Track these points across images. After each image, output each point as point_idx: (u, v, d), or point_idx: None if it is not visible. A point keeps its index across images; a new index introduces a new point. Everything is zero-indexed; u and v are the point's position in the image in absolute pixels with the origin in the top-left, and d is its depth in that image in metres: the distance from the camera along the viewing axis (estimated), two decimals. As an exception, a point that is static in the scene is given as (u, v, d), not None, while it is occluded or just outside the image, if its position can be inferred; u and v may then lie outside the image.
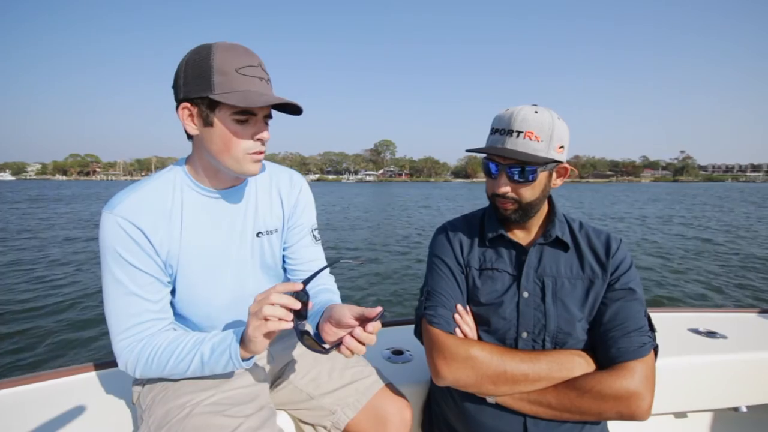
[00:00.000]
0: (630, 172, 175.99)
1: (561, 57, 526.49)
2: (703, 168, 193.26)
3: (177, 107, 0.88)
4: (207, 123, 0.86)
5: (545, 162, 0.87)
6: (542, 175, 0.90)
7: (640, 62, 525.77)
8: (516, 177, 0.89)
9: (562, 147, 0.90)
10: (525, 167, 0.87)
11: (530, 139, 0.85)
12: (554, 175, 0.94)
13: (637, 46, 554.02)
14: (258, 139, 0.90)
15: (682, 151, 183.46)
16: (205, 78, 0.83)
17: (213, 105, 0.85)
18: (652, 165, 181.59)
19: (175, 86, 0.87)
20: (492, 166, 0.92)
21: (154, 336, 0.89)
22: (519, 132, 0.86)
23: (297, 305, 0.78)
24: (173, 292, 0.96)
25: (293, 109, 0.90)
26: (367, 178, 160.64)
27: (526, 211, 0.93)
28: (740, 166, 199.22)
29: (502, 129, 0.89)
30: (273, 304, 0.77)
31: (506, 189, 0.91)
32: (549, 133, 0.86)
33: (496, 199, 0.94)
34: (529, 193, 0.91)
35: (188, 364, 0.86)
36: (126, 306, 0.87)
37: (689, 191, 55.71)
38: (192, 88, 0.84)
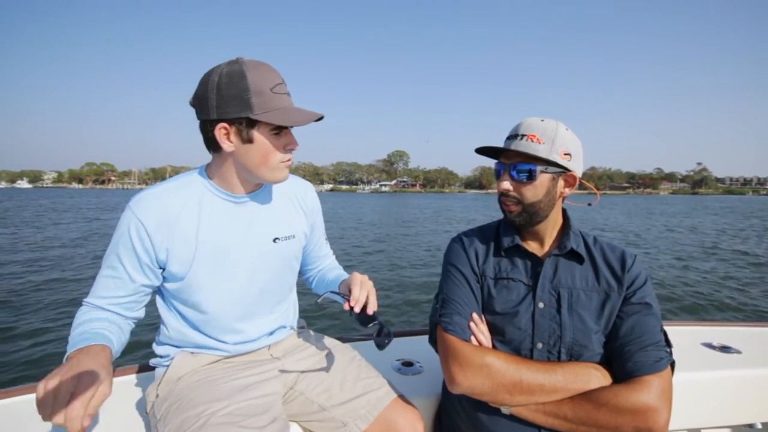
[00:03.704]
0: (647, 184, 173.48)
1: (575, 69, 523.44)
2: (721, 180, 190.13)
3: (209, 125, 0.93)
4: (246, 140, 0.92)
5: (546, 162, 0.91)
6: (544, 177, 0.93)
7: (652, 75, 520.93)
8: (516, 175, 0.93)
9: (568, 155, 0.92)
10: (525, 165, 0.92)
11: (532, 141, 0.91)
12: (561, 182, 0.95)
13: (649, 59, 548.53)
14: (290, 149, 0.98)
15: (699, 163, 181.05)
16: (244, 100, 0.88)
17: (252, 124, 0.91)
18: (669, 177, 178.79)
19: (204, 106, 0.91)
20: (499, 167, 0.98)
21: (94, 310, 0.94)
22: (523, 135, 0.92)
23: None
24: (180, 293, 1.00)
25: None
26: (383, 188, 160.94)
27: (529, 213, 0.95)
28: (759, 179, 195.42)
29: (510, 135, 0.96)
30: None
31: (508, 186, 0.95)
32: (551, 137, 0.91)
33: (502, 200, 0.98)
34: (530, 193, 0.93)
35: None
36: (98, 285, 0.95)
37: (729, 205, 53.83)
38: (229, 109, 0.89)
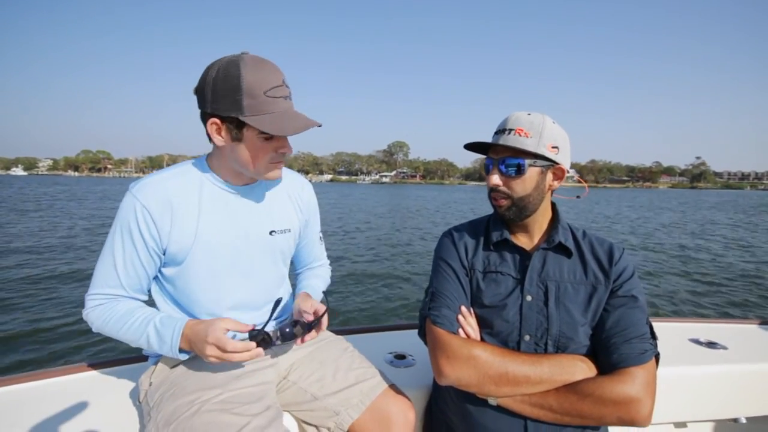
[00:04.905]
0: (647, 177, 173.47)
1: (577, 64, 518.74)
2: (719, 175, 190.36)
3: (203, 117, 0.94)
4: (235, 139, 0.92)
5: (534, 156, 0.92)
6: (533, 171, 0.93)
7: (652, 70, 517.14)
8: (505, 169, 0.94)
9: (555, 148, 0.93)
10: (513, 160, 0.93)
11: (519, 135, 0.91)
12: (550, 175, 0.96)
13: (648, 54, 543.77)
14: (281, 152, 0.97)
15: (698, 157, 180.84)
16: (236, 99, 0.87)
17: (242, 124, 0.90)
18: (668, 171, 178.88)
19: (202, 98, 0.92)
20: (488, 162, 0.98)
21: (117, 301, 0.98)
22: (510, 130, 0.93)
23: (246, 358, 0.89)
24: (177, 279, 1.01)
25: None
26: (384, 179, 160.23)
27: (519, 207, 0.96)
28: (756, 174, 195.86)
29: (498, 130, 0.96)
30: (235, 354, 0.88)
31: (497, 181, 0.95)
32: (538, 130, 0.92)
33: (492, 195, 0.98)
34: (519, 187, 0.94)
35: (138, 338, 0.95)
36: (107, 275, 0.96)
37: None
38: (221, 106, 0.89)
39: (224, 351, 0.87)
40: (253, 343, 0.89)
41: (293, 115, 0.93)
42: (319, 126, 0.94)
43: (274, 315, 1.00)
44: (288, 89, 0.94)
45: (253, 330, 0.92)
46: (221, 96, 0.88)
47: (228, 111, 0.89)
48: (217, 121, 0.91)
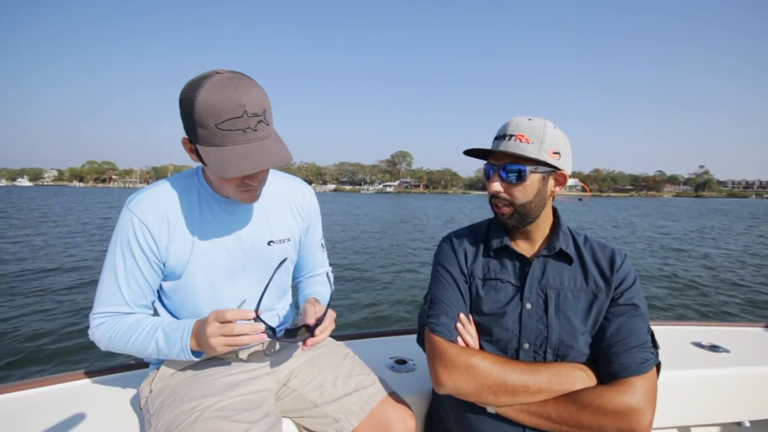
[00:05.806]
0: (651, 186, 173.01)
1: (577, 70, 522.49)
2: (723, 183, 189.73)
3: None
4: (201, 161, 0.90)
5: (535, 162, 0.91)
6: (534, 177, 0.92)
7: (654, 77, 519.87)
8: (506, 176, 0.92)
9: (557, 153, 0.92)
10: (514, 166, 0.91)
11: (521, 141, 0.90)
12: (551, 181, 0.95)
13: (650, 62, 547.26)
14: (246, 182, 0.92)
15: (701, 166, 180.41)
16: (192, 127, 0.85)
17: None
18: (672, 180, 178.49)
19: None
20: (488, 168, 0.97)
21: (121, 316, 0.97)
22: (511, 135, 0.91)
23: (260, 338, 0.89)
24: (176, 292, 1.01)
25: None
26: (387, 189, 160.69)
27: (521, 214, 0.95)
28: (761, 182, 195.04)
29: (498, 135, 0.95)
30: (246, 334, 0.87)
31: (498, 188, 0.94)
32: (540, 136, 0.90)
33: (493, 202, 0.97)
34: (521, 194, 0.93)
35: (146, 347, 0.94)
36: (109, 292, 0.96)
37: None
38: (185, 129, 0.87)
39: (224, 321, 0.86)
40: (252, 314, 0.89)
41: (244, 153, 0.84)
42: (287, 164, 0.88)
43: (278, 321, 1.01)
44: (254, 119, 0.84)
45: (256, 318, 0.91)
46: (183, 118, 0.86)
47: (189, 135, 0.87)
48: (188, 140, 0.89)
